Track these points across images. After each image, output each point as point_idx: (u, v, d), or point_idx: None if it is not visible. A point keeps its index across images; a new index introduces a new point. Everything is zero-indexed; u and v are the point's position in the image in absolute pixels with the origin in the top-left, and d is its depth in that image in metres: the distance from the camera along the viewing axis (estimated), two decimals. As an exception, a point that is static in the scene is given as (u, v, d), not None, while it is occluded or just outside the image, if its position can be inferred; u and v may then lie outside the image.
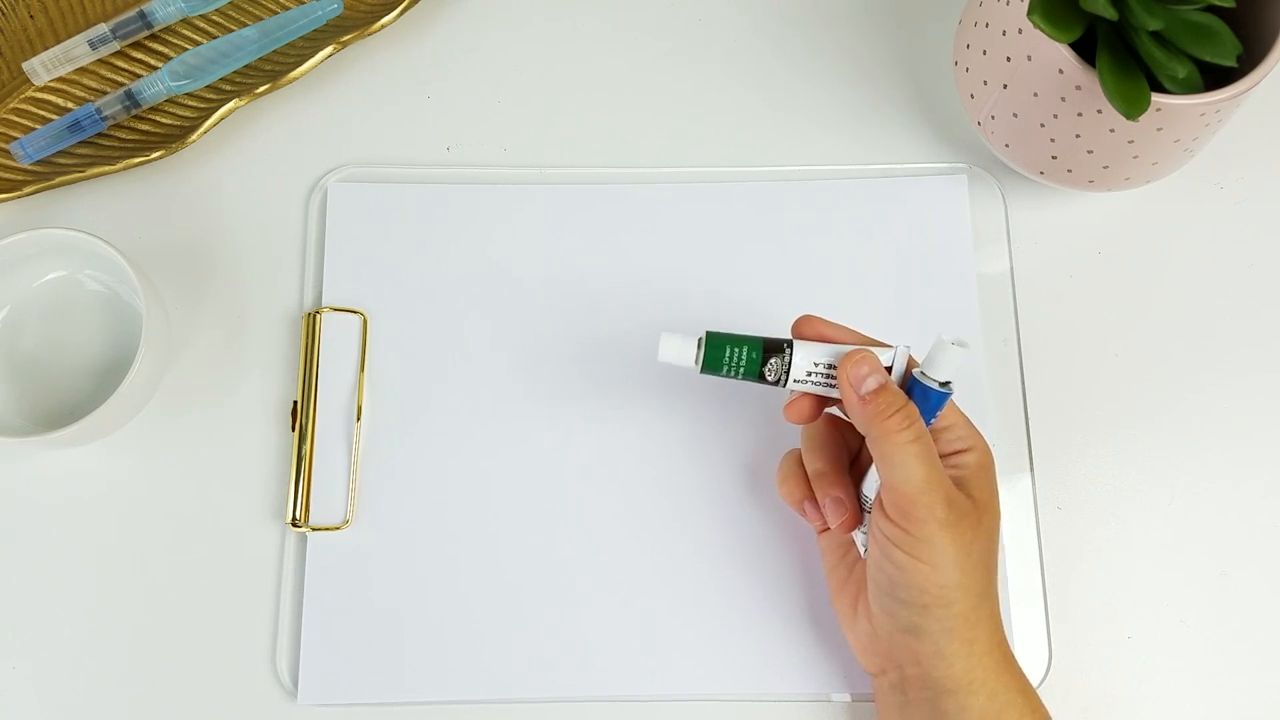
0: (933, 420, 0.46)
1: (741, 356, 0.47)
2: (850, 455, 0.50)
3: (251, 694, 0.51)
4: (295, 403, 0.55)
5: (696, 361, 0.47)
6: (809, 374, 0.46)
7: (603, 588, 0.53)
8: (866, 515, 0.48)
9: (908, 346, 0.46)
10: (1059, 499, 0.55)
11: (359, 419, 0.55)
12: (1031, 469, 0.55)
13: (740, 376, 0.47)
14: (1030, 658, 0.52)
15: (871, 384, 0.44)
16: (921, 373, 0.45)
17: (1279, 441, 0.56)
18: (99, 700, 0.51)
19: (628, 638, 0.52)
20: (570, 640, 0.52)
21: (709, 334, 0.47)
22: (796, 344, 0.47)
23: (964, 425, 0.47)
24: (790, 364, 0.46)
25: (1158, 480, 0.55)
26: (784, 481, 0.50)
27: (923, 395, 0.45)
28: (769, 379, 0.47)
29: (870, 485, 0.48)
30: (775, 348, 0.46)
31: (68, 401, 0.54)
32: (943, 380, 0.45)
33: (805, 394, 0.48)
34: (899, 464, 0.44)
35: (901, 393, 0.45)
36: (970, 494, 0.45)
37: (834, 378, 0.46)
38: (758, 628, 0.52)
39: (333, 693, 0.51)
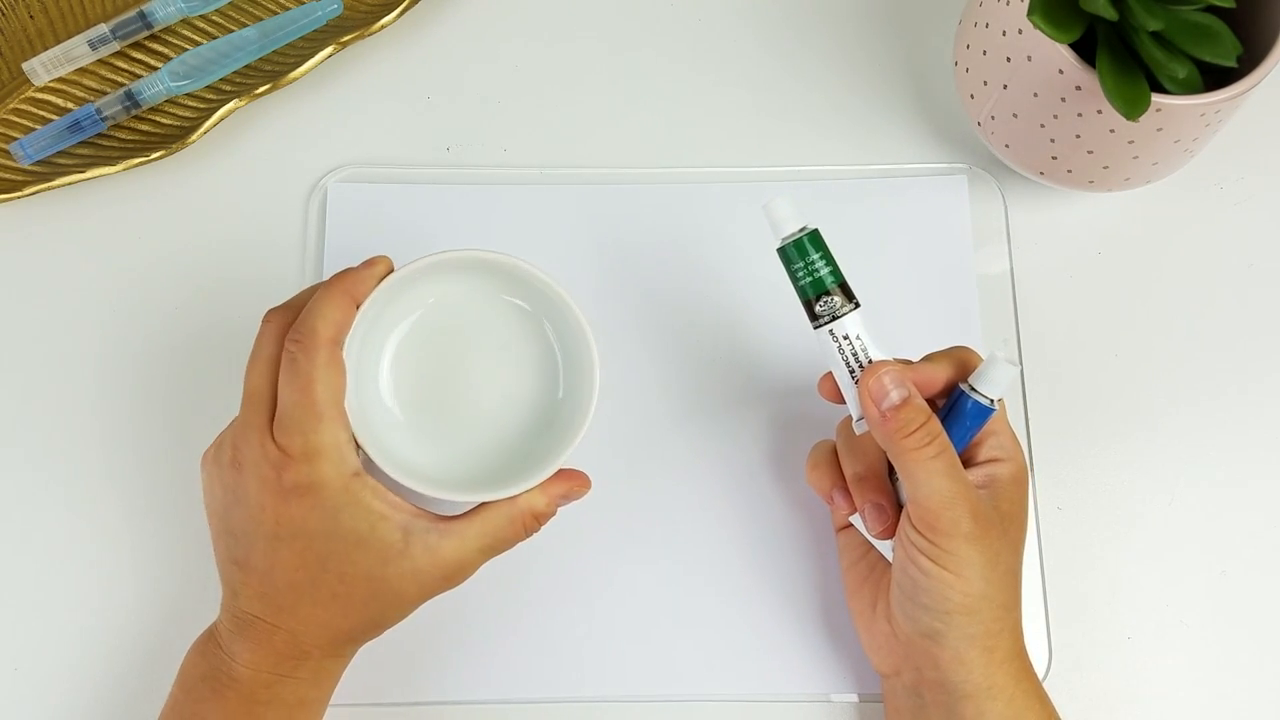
0: (974, 435, 0.46)
1: (820, 270, 0.45)
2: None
3: (252, 694, 0.51)
4: (295, 403, 0.55)
5: (787, 238, 0.45)
6: (846, 338, 0.45)
7: (604, 588, 0.53)
8: None
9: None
10: (1059, 499, 0.55)
11: (359, 419, 0.54)
12: (1031, 469, 0.55)
13: (800, 282, 0.45)
14: (1030, 658, 0.52)
15: (895, 398, 0.44)
16: (971, 386, 0.45)
17: (1278, 442, 0.56)
18: (99, 700, 0.51)
19: (629, 638, 0.52)
20: (571, 641, 0.52)
21: (817, 230, 0.45)
22: (861, 311, 0.45)
23: (1006, 435, 0.47)
24: (843, 316, 0.45)
25: (1158, 480, 0.55)
26: (814, 469, 0.49)
27: (968, 408, 0.45)
28: (815, 309, 0.45)
29: (905, 490, 0.47)
30: (849, 294, 0.45)
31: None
32: (994, 397, 0.45)
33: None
34: (922, 480, 0.43)
35: (925, 407, 0.44)
36: (997, 505, 0.45)
37: (857, 371, 0.45)
38: (761, 628, 0.52)
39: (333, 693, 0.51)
